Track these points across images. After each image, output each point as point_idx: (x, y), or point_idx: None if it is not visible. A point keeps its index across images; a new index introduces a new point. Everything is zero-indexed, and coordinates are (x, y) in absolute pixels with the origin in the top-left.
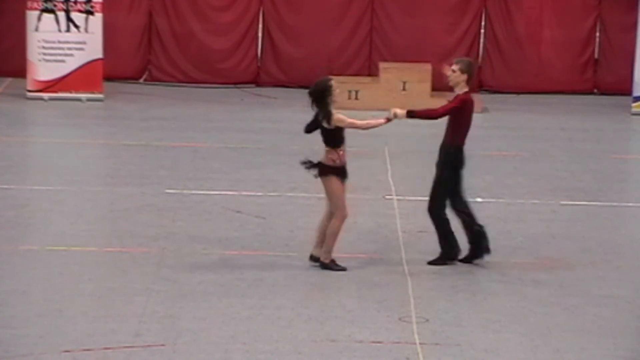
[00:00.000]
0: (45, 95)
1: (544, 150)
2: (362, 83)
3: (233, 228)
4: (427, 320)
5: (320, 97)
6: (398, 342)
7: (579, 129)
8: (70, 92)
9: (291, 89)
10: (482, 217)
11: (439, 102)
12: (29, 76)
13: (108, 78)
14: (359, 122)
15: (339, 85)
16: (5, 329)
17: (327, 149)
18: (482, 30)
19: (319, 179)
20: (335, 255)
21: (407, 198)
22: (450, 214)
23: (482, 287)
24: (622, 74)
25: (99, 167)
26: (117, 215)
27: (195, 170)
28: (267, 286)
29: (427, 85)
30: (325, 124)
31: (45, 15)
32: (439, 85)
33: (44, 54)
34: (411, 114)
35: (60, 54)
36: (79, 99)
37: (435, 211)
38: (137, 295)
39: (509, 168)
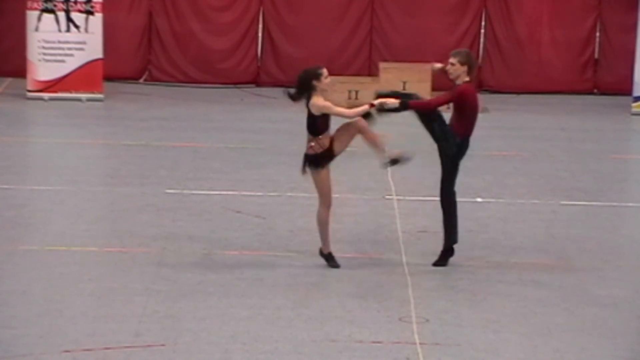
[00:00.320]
0: (45, 95)
1: (544, 150)
2: (362, 83)
3: (233, 228)
4: (427, 320)
5: (305, 80)
6: (398, 342)
7: (579, 129)
8: (70, 92)
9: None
10: (482, 217)
11: None
12: (29, 76)
13: (108, 78)
14: (347, 111)
15: (340, 86)
16: (5, 329)
17: (308, 136)
18: (482, 30)
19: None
20: (335, 255)
21: (407, 198)
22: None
23: (482, 287)
24: (622, 74)
25: (99, 167)
26: (117, 215)
27: (195, 170)
28: (267, 286)
29: (427, 85)
30: (312, 111)
31: (45, 15)
32: (439, 85)
33: (44, 54)
34: (404, 106)
35: (60, 54)
36: (79, 99)
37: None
38: (137, 295)
39: (509, 168)
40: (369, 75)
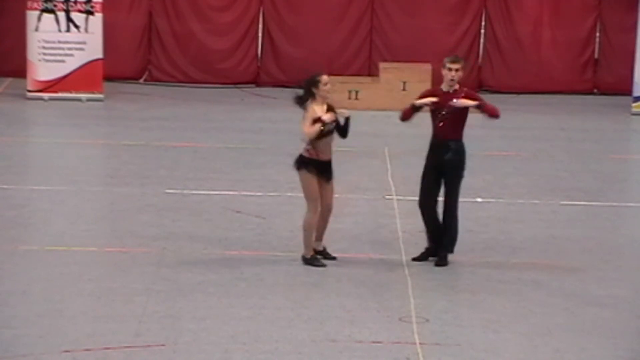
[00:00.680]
0: (45, 95)
1: (544, 150)
2: (362, 83)
3: (233, 228)
4: (427, 320)
5: (306, 88)
6: (398, 342)
7: (579, 129)
8: (70, 92)
9: (291, 89)
10: (482, 217)
11: None
12: (29, 76)
13: (108, 78)
14: (304, 128)
15: (340, 86)
16: (5, 329)
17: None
18: (482, 30)
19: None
20: (335, 255)
21: (407, 198)
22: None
23: (482, 287)
24: (622, 74)
25: (99, 167)
26: (117, 215)
27: (195, 170)
28: (267, 286)
29: (427, 85)
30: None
31: (45, 15)
32: (440, 85)
33: (44, 54)
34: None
35: (60, 54)
36: (79, 99)
37: (455, 208)
38: (137, 295)
39: (509, 168)
40: (369, 75)
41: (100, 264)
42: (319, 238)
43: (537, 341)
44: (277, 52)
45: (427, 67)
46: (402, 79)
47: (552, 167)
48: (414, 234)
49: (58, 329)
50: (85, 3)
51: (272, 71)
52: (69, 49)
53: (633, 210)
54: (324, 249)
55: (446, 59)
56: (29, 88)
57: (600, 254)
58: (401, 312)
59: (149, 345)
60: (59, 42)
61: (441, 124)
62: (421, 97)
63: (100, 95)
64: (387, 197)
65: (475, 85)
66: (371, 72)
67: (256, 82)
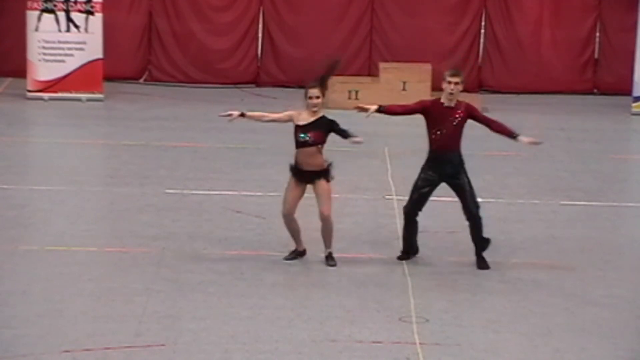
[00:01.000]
0: (45, 95)
1: (544, 150)
2: (362, 83)
3: (233, 228)
4: (427, 320)
5: (327, 70)
6: (398, 342)
7: (579, 129)
8: (70, 92)
9: (291, 89)
10: (482, 217)
11: None
12: (29, 76)
13: (108, 78)
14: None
15: (340, 86)
16: (5, 329)
17: None
18: (482, 30)
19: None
20: (335, 255)
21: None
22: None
23: (482, 287)
24: (622, 74)
25: (99, 167)
26: (117, 215)
27: (195, 170)
28: (267, 286)
29: (427, 85)
30: None
31: (45, 15)
32: (439, 85)
33: (44, 54)
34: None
35: (60, 54)
36: (79, 99)
37: (477, 212)
38: (137, 295)
39: (509, 168)
40: (369, 75)
41: (100, 264)
42: (325, 245)
43: (537, 341)
44: (277, 52)
45: (427, 67)
46: (402, 79)
47: (552, 167)
48: None
49: (58, 329)
50: (85, 3)
51: (272, 71)
52: (69, 49)
53: (633, 210)
54: (329, 255)
55: (446, 73)
56: (29, 88)
57: (600, 254)
58: (401, 312)
59: (149, 345)
60: (59, 42)
61: (440, 139)
62: (421, 106)
63: (100, 95)
64: (387, 197)
65: (475, 85)
66: (371, 72)
67: (256, 82)
